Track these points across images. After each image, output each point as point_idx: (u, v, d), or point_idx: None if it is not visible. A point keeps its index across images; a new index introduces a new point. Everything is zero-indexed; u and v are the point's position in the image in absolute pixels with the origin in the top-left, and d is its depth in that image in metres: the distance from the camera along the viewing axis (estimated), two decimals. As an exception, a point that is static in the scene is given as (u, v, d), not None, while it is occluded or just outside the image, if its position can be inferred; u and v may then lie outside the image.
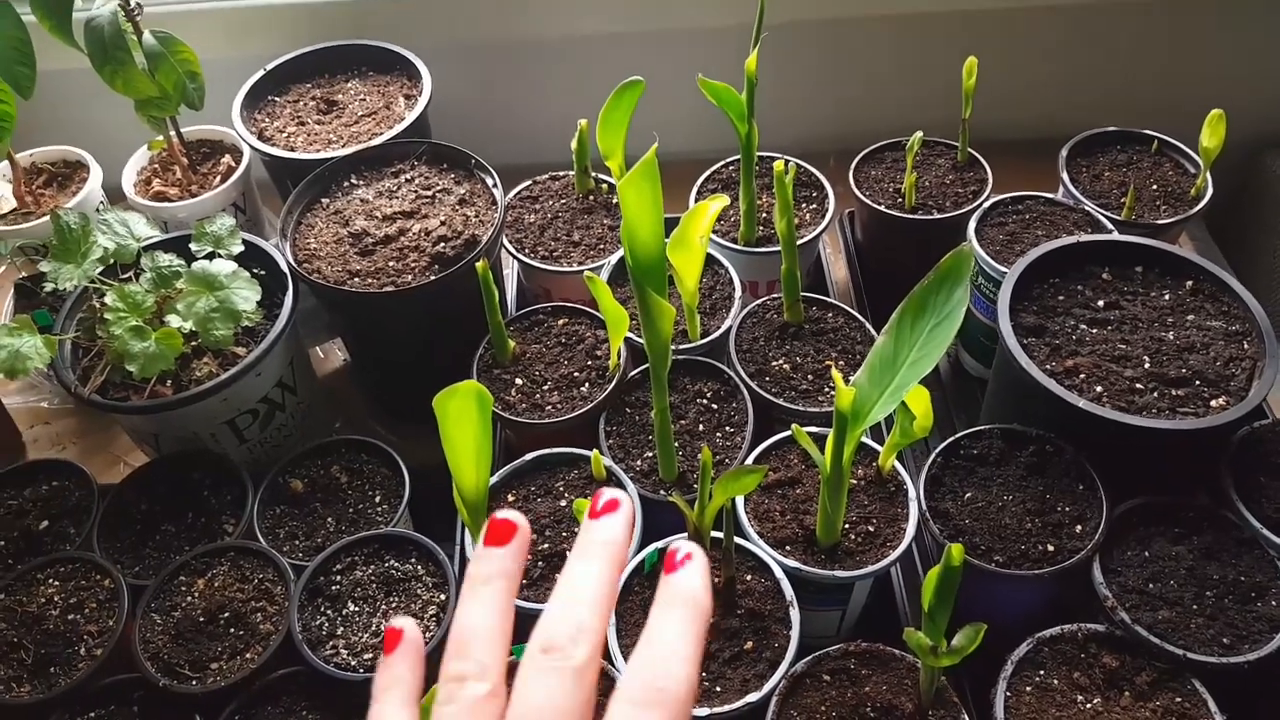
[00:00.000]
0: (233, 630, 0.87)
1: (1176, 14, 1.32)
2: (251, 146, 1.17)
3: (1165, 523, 0.85)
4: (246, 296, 0.94)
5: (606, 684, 0.78)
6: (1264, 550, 0.82)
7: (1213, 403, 0.84)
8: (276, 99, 1.24)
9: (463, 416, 0.67)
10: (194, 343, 0.95)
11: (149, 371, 0.89)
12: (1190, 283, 0.94)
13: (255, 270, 0.99)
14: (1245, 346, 0.89)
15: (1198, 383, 0.86)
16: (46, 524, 0.97)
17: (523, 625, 0.86)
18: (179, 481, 0.99)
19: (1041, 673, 0.78)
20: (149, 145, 1.20)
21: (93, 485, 0.99)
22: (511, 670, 0.79)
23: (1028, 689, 0.77)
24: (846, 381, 0.74)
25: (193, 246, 0.99)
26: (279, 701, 0.84)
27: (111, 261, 0.97)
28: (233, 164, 1.20)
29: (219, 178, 1.18)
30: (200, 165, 1.21)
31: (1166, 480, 0.86)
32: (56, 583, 0.91)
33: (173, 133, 1.15)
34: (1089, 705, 0.76)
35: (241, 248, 1.00)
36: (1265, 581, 0.80)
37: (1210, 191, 1.09)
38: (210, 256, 0.98)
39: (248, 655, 0.85)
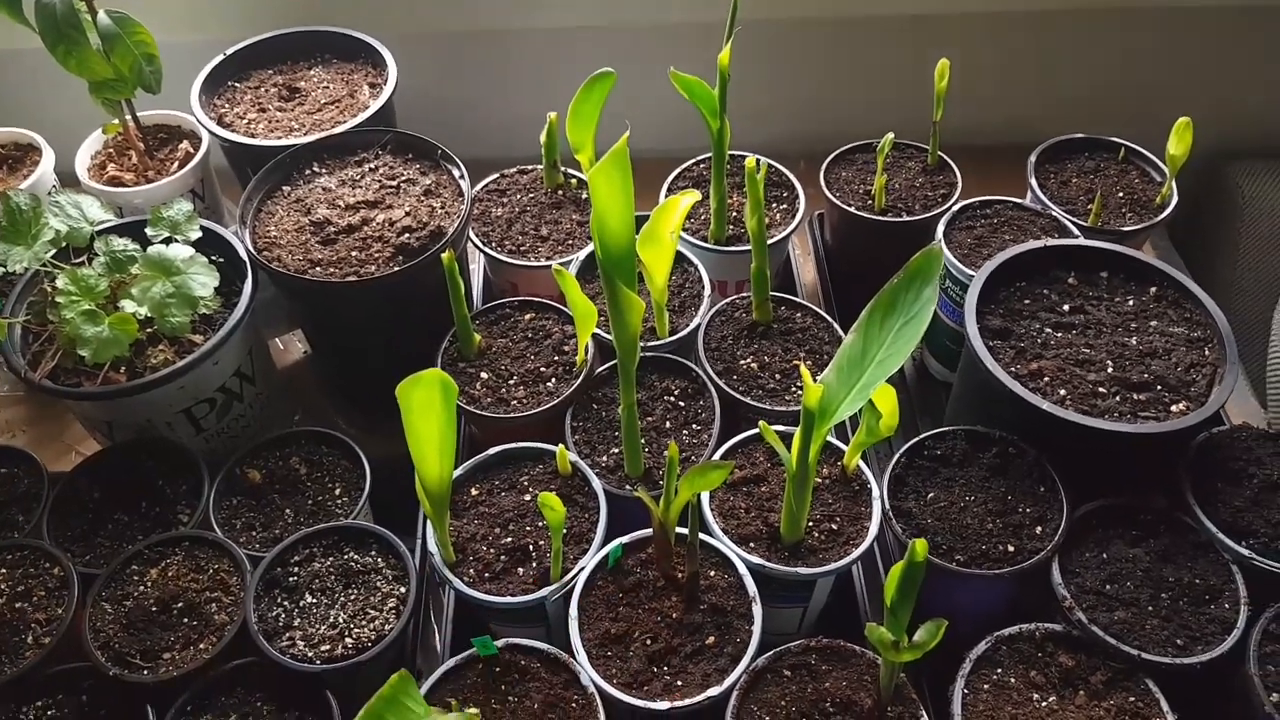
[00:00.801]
0: (186, 620, 0.85)
1: (1146, 24, 1.34)
2: (211, 132, 1.15)
3: (1124, 525, 0.85)
4: (204, 282, 0.92)
5: (569, 676, 0.77)
6: (1219, 554, 0.83)
7: (1173, 408, 0.85)
8: (237, 85, 1.22)
9: (427, 406, 0.66)
10: (150, 329, 0.93)
11: (102, 357, 0.87)
12: (1154, 289, 0.95)
13: (214, 258, 0.97)
14: (1206, 353, 0.90)
15: (1159, 388, 0.87)
16: (-7, 511, 0.95)
17: (485, 618, 0.85)
18: (132, 470, 0.97)
19: (999, 671, 0.78)
20: (104, 129, 1.18)
21: (43, 473, 0.97)
22: (471, 662, 0.78)
23: (985, 687, 0.77)
24: (814, 379, 0.74)
25: (149, 231, 0.97)
26: (233, 692, 0.82)
27: (64, 244, 0.95)
28: (191, 150, 1.17)
29: (176, 164, 1.16)
30: (157, 151, 1.18)
31: (1126, 483, 0.87)
32: (3, 570, 0.89)
33: (129, 116, 1.13)
34: (1044, 703, 0.76)
35: (199, 233, 0.98)
36: (1219, 584, 0.81)
37: (1175, 199, 1.10)
38: (167, 241, 0.96)
39: (201, 645, 0.83)
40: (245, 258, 0.99)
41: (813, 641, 0.79)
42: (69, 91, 1.11)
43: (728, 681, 0.75)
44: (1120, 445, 0.82)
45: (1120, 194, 1.12)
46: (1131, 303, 0.94)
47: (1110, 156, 1.17)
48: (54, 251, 0.95)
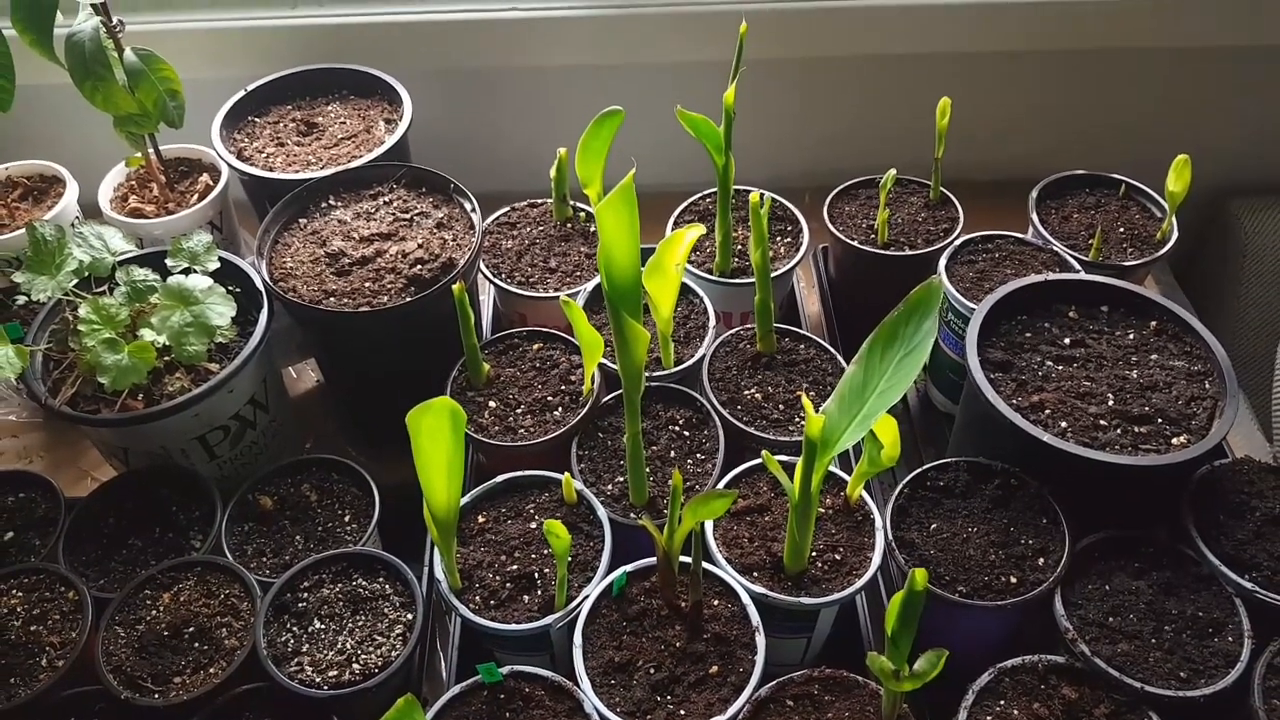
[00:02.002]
0: (197, 645, 0.86)
1: (1145, 62, 1.36)
2: (230, 166, 1.17)
3: (1126, 557, 0.86)
4: (221, 312, 0.94)
5: (573, 704, 0.78)
6: (1221, 587, 0.83)
7: (1174, 440, 0.86)
8: (256, 119, 1.25)
9: (436, 433, 0.68)
10: (167, 357, 0.95)
11: (121, 384, 0.89)
12: (1154, 323, 0.96)
13: (231, 288, 0.99)
14: (1206, 386, 0.91)
15: (1160, 420, 0.88)
16: (11, 535, 0.96)
17: (490, 645, 0.85)
18: (147, 496, 0.98)
19: (1002, 703, 0.78)
20: (127, 162, 1.21)
21: (60, 498, 0.98)
22: (476, 689, 0.79)
23: (988, 718, 0.78)
24: (816, 410, 0.75)
25: (168, 262, 0.99)
26: (241, 717, 0.83)
27: (86, 274, 0.97)
28: (210, 183, 1.20)
29: (196, 196, 1.18)
30: (178, 183, 1.21)
31: (1128, 516, 0.88)
32: (20, 594, 0.90)
33: (151, 150, 1.15)
34: (1048, 736, 0.77)
35: (217, 264, 1.00)
36: (1222, 617, 0.81)
37: (1175, 235, 1.11)
38: (186, 272, 0.98)
39: (211, 670, 0.84)
40: (261, 288, 1.01)
41: (815, 671, 0.79)
42: (93, 125, 1.13)
43: (730, 711, 0.75)
44: (1121, 477, 0.83)
45: (1121, 229, 1.14)
46: (1132, 336, 0.95)
47: (1111, 193, 1.18)
48: (77, 281, 0.97)
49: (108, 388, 0.90)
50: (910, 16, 1.29)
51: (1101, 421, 0.88)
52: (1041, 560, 0.84)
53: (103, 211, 1.17)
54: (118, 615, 0.88)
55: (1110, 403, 0.89)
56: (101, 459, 1.10)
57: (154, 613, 0.88)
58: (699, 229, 0.87)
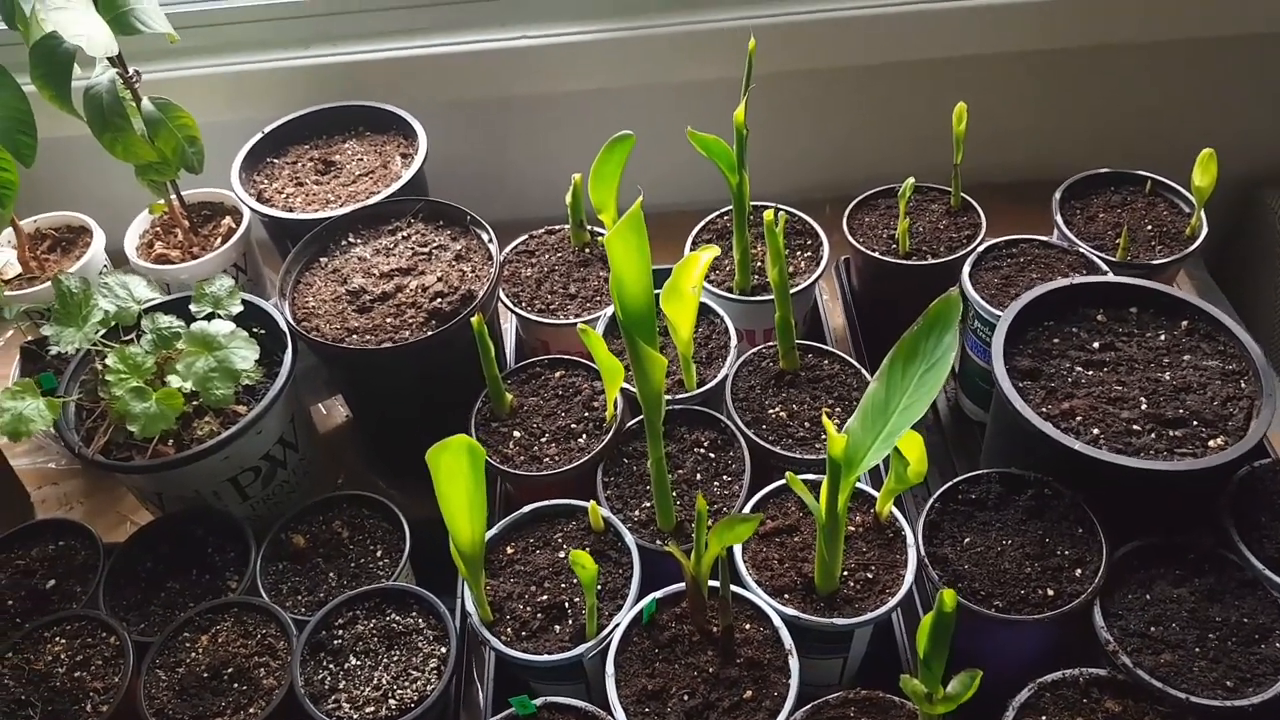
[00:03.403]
0: (236, 685, 0.87)
1: (1165, 55, 1.33)
2: (250, 208, 1.19)
3: (1166, 565, 0.84)
4: (245, 356, 0.95)
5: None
6: (1266, 591, 0.81)
7: (1211, 443, 0.84)
8: (275, 160, 1.26)
9: (455, 470, 0.68)
10: (195, 402, 0.96)
11: (150, 431, 0.91)
12: (1185, 322, 0.94)
13: (255, 329, 1.00)
14: (1242, 385, 0.89)
15: (1195, 423, 0.86)
16: (53, 583, 0.98)
17: (524, 676, 0.85)
18: (183, 539, 0.99)
19: (1043, 718, 0.77)
20: (150, 209, 1.23)
21: (98, 544, 1.00)
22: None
23: (1031, 736, 0.76)
24: (840, 428, 0.74)
25: (192, 308, 1.01)
26: (281, 758, 0.84)
27: (113, 324, 0.99)
28: (233, 225, 1.22)
29: (220, 239, 1.20)
30: (201, 227, 1.23)
31: (1166, 522, 0.86)
32: (63, 640, 0.92)
33: (173, 196, 1.17)
34: (1093, 751, 0.75)
35: (240, 308, 1.02)
36: (1269, 623, 0.79)
37: (1205, 230, 1.09)
38: (210, 317, 0.99)
39: (251, 710, 0.85)
40: (285, 329, 1.02)
41: (851, 693, 0.78)
42: (117, 174, 1.16)
43: (766, 735, 0.75)
44: (1157, 483, 0.81)
45: (1149, 227, 1.12)
46: (1163, 337, 0.94)
47: (1137, 190, 1.16)
48: (104, 331, 0.98)
49: (137, 435, 0.91)
50: (919, 22, 1.28)
51: (1135, 426, 0.86)
52: (1079, 571, 0.82)
53: (129, 259, 1.19)
54: (158, 658, 0.89)
55: (1143, 407, 0.87)
56: (138, 504, 1.12)
57: (193, 655, 0.89)
58: (714, 250, 0.87)
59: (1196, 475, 0.81)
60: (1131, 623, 0.80)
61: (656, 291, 0.78)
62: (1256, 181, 1.45)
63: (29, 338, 1.17)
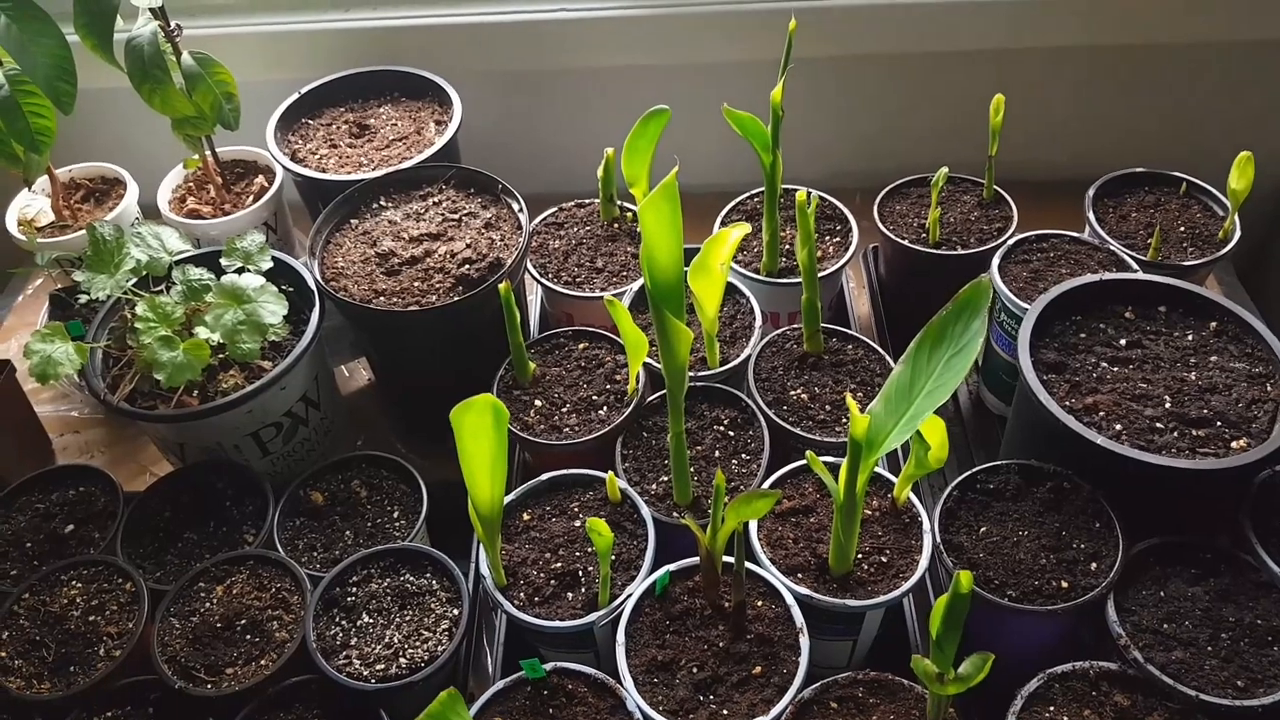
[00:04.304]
0: (249, 637, 0.88)
1: (1206, 57, 1.32)
2: (284, 167, 1.19)
3: (1182, 563, 0.84)
4: (273, 310, 0.96)
5: (615, 701, 0.78)
6: (1282, 594, 0.81)
7: (1234, 444, 0.84)
8: (310, 121, 1.27)
9: (478, 430, 0.68)
10: (221, 355, 0.97)
11: (176, 380, 0.91)
12: (1214, 324, 0.94)
13: (284, 287, 1.01)
14: (1268, 389, 0.88)
15: (1219, 424, 0.85)
16: (72, 528, 0.99)
17: (535, 641, 0.86)
18: (202, 491, 1.00)
19: (1052, 709, 0.77)
20: (184, 164, 1.23)
21: (118, 492, 1.01)
22: (520, 685, 0.79)
23: (1038, 725, 0.76)
24: (862, 410, 0.74)
25: (223, 261, 1.01)
26: (291, 708, 0.85)
27: (144, 273, 1.00)
28: (265, 184, 1.22)
29: (252, 197, 1.21)
30: (234, 184, 1.23)
31: (1184, 521, 0.86)
32: (79, 585, 0.93)
33: (208, 152, 1.18)
34: (1100, 744, 0.75)
35: (270, 264, 1.02)
36: (1283, 626, 0.79)
37: (1238, 234, 1.08)
38: (240, 271, 1.00)
39: (263, 662, 0.86)
40: (313, 287, 1.03)
41: (860, 674, 0.78)
42: (153, 128, 1.16)
43: (773, 712, 0.75)
44: (1177, 482, 0.81)
45: (1182, 228, 1.11)
46: (1190, 338, 0.93)
47: (1171, 191, 1.15)
48: (135, 280, 0.99)
49: (163, 384, 0.92)
50: (961, 12, 1.27)
51: (1158, 424, 0.85)
52: (1094, 565, 0.82)
53: (161, 212, 1.20)
54: (173, 607, 0.90)
55: (1167, 405, 0.87)
56: (159, 454, 1.13)
57: (208, 605, 0.90)
58: (744, 228, 0.87)
59: (1217, 476, 0.81)
60: (1144, 619, 0.80)
61: (685, 268, 0.78)
62: (1291, 189, 1.43)
63: (59, 286, 1.18)
